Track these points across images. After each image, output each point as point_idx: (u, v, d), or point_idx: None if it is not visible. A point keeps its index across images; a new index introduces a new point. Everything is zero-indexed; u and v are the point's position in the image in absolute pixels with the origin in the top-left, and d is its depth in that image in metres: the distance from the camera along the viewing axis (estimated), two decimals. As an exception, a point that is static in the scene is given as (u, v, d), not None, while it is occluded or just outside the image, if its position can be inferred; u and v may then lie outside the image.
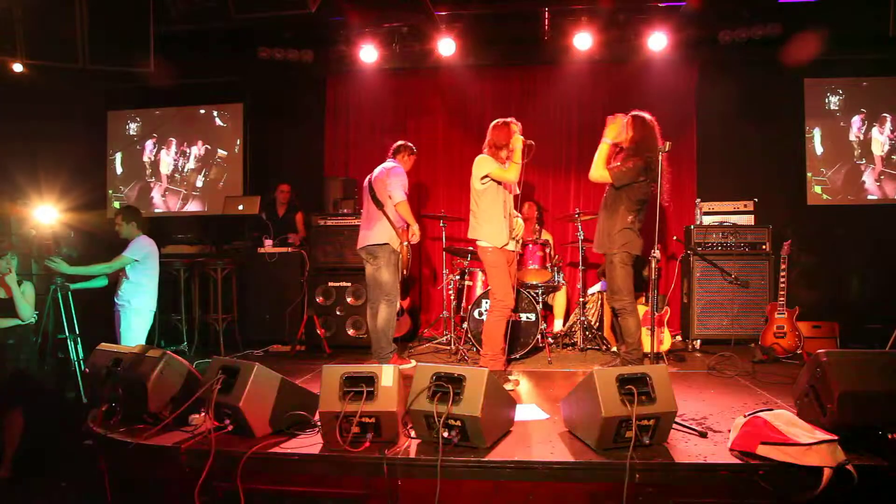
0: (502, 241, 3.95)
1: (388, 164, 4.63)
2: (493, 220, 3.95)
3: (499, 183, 3.94)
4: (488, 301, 4.30)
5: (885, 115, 6.11)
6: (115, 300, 4.44)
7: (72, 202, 5.40)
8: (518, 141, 3.91)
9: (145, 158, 7.16)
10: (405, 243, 4.59)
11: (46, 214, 4.47)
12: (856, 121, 6.16)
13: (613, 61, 6.17)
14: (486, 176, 3.91)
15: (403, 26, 6.06)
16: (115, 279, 4.48)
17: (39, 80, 5.47)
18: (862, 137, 6.16)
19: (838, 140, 6.18)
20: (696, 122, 6.24)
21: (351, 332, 5.39)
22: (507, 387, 3.85)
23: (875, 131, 6.14)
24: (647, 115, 4.04)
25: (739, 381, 4.01)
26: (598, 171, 3.99)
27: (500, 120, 4.02)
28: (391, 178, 4.48)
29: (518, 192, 4.09)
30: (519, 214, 4.19)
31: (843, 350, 3.55)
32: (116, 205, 6.90)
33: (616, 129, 4.00)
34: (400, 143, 4.76)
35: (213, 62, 6.48)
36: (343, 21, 5.94)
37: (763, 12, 5.58)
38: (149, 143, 7.16)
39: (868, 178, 6.13)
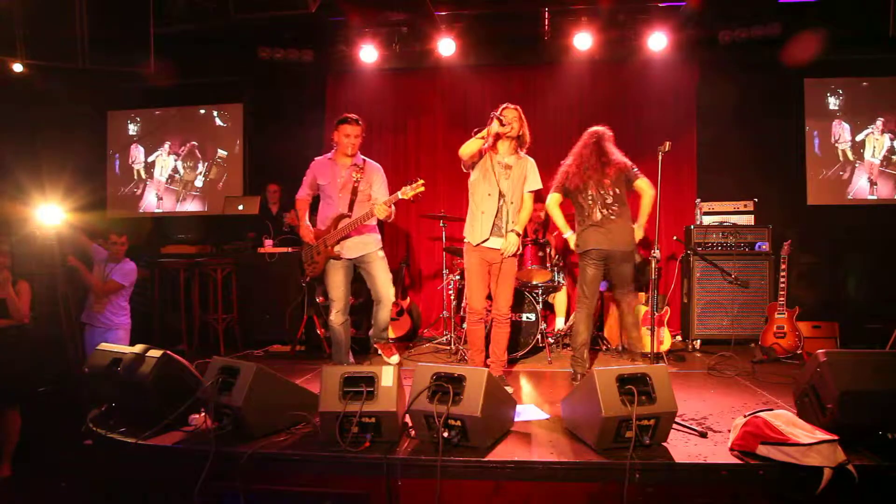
0: (475, 238, 3.81)
1: None
2: (470, 214, 3.90)
3: (471, 171, 3.86)
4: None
5: (886, 114, 6.11)
6: (98, 318, 4.64)
7: (74, 203, 5.40)
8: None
9: (144, 158, 7.16)
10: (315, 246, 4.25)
11: (50, 215, 4.45)
12: (856, 120, 6.15)
13: (613, 61, 6.16)
14: (463, 162, 3.84)
15: (403, 26, 6.06)
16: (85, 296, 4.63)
17: (39, 80, 5.47)
18: (862, 137, 6.15)
19: (838, 140, 6.18)
20: (697, 121, 6.22)
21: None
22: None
23: (876, 131, 6.14)
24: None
25: (739, 381, 4.01)
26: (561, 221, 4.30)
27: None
28: None
29: (537, 186, 4.05)
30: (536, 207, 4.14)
31: (842, 350, 3.55)
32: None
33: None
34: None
35: (213, 62, 6.48)
36: (343, 21, 5.95)
37: (763, 12, 5.59)
38: (148, 143, 7.15)
39: (868, 178, 6.12)
